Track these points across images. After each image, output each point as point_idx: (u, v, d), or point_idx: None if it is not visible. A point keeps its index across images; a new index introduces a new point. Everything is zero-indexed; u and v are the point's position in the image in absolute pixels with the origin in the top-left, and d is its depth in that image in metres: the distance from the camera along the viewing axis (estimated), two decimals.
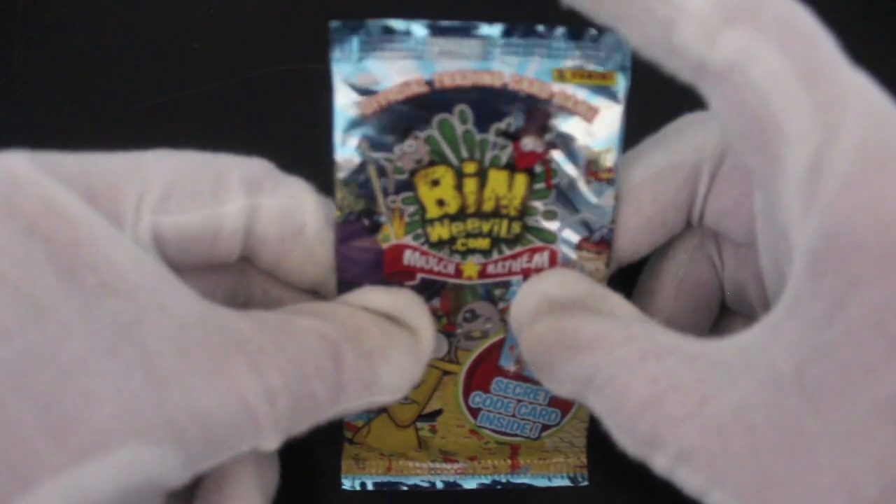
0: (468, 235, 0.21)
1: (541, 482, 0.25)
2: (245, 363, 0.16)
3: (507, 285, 0.22)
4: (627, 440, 0.18)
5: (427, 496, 0.24)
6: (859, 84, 0.15)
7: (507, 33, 0.19)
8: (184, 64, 0.27)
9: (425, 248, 0.21)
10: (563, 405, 0.23)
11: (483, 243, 0.21)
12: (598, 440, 0.24)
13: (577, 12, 0.16)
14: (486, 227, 0.21)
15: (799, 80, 0.15)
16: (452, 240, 0.21)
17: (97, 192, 0.17)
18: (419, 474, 0.24)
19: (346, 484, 0.24)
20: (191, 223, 0.18)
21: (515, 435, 0.24)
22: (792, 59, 0.15)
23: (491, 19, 0.19)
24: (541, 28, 0.19)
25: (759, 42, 0.15)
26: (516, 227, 0.21)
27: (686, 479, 0.16)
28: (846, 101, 0.15)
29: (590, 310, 0.20)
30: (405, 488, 0.24)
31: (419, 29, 0.19)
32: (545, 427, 0.24)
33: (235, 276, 0.21)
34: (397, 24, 0.19)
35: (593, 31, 0.19)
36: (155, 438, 0.15)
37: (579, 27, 0.19)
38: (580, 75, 0.20)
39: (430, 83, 0.19)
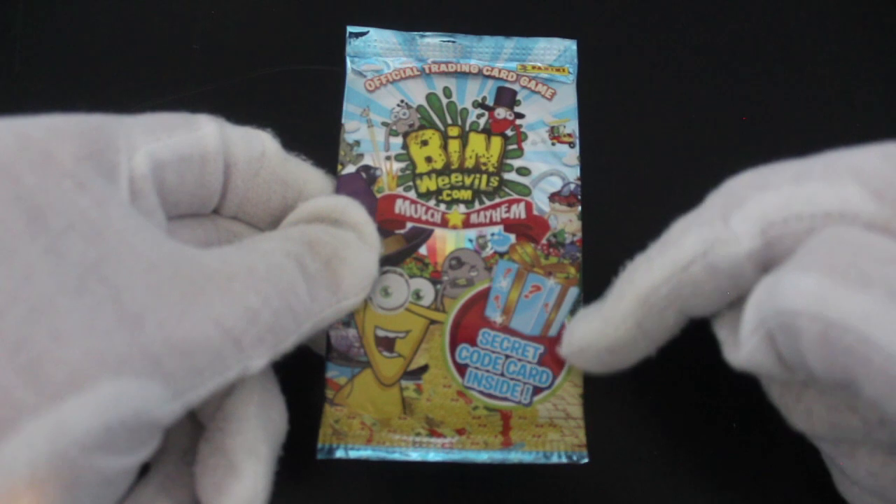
0: (452, 187, 0.24)
1: (536, 460, 0.22)
2: (217, 291, 0.17)
3: (490, 235, 0.24)
4: None
5: (409, 473, 0.21)
6: None
7: (480, 41, 0.26)
8: (184, 65, 0.27)
9: (415, 197, 0.24)
10: (553, 364, 0.23)
11: (466, 194, 0.24)
12: (596, 416, 0.22)
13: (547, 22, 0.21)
14: (468, 180, 0.24)
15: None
16: (439, 191, 0.24)
17: (89, 134, 0.17)
18: (402, 447, 0.22)
19: (321, 453, 0.22)
20: (181, 145, 0.19)
21: (505, 399, 0.22)
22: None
23: (474, 28, 0.26)
24: (509, 39, 0.26)
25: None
26: (494, 182, 0.24)
27: None
28: None
29: None
30: (387, 459, 0.22)
31: (414, 37, 0.26)
32: (537, 390, 0.22)
33: (207, 230, 0.22)
34: (397, 33, 0.26)
35: (549, 39, 0.26)
36: (132, 371, 0.15)
37: (544, 35, 0.26)
38: (539, 68, 0.26)
39: (421, 70, 0.25)
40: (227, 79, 0.26)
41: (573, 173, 0.24)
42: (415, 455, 0.22)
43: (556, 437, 0.22)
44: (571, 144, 0.24)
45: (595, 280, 0.24)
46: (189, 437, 0.20)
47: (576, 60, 0.26)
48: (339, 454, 0.22)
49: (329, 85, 0.25)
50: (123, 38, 0.28)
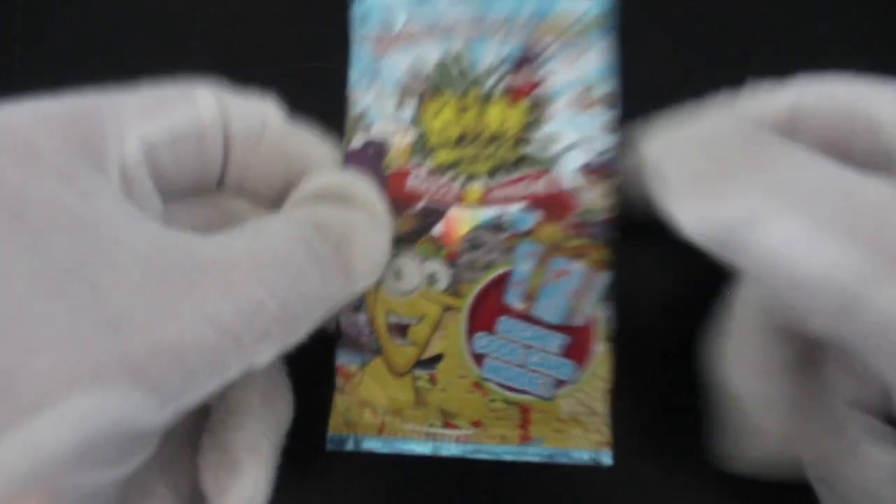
0: (469, 161, 0.22)
1: (556, 458, 0.21)
2: (214, 285, 0.16)
3: (510, 213, 0.22)
4: None
5: (421, 465, 0.20)
6: None
7: None
8: (184, 63, 0.24)
9: (427, 173, 0.22)
10: (578, 356, 0.21)
11: (483, 168, 0.22)
12: (623, 412, 0.21)
13: None
14: (485, 153, 0.22)
15: None
16: (454, 164, 0.22)
17: (76, 122, 0.16)
18: (414, 438, 0.21)
19: (331, 444, 0.21)
20: (176, 123, 0.18)
21: (525, 392, 0.21)
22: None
23: None
24: None
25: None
26: (515, 154, 0.22)
27: None
28: None
29: None
30: (399, 452, 0.21)
31: None
32: (559, 383, 0.21)
33: (207, 212, 0.21)
34: None
35: None
36: (111, 380, 0.14)
37: None
38: (564, 27, 0.23)
39: (434, 30, 0.23)
40: (228, 79, 0.25)
41: (604, 142, 0.22)
42: (428, 448, 0.21)
43: (579, 433, 0.21)
44: (602, 110, 0.22)
45: (627, 265, 0.22)
46: (192, 420, 0.19)
47: (606, 17, 0.23)
48: (350, 445, 0.21)
49: (329, 84, 0.24)
50: (123, 38, 0.27)
